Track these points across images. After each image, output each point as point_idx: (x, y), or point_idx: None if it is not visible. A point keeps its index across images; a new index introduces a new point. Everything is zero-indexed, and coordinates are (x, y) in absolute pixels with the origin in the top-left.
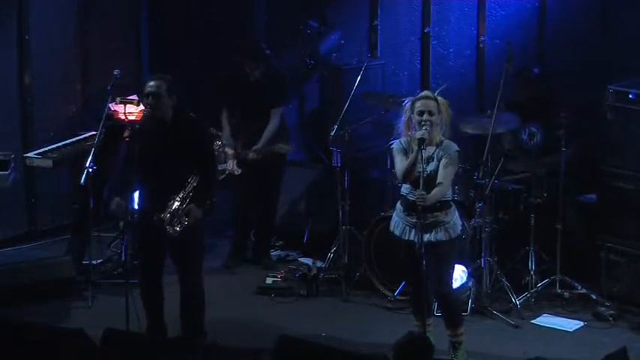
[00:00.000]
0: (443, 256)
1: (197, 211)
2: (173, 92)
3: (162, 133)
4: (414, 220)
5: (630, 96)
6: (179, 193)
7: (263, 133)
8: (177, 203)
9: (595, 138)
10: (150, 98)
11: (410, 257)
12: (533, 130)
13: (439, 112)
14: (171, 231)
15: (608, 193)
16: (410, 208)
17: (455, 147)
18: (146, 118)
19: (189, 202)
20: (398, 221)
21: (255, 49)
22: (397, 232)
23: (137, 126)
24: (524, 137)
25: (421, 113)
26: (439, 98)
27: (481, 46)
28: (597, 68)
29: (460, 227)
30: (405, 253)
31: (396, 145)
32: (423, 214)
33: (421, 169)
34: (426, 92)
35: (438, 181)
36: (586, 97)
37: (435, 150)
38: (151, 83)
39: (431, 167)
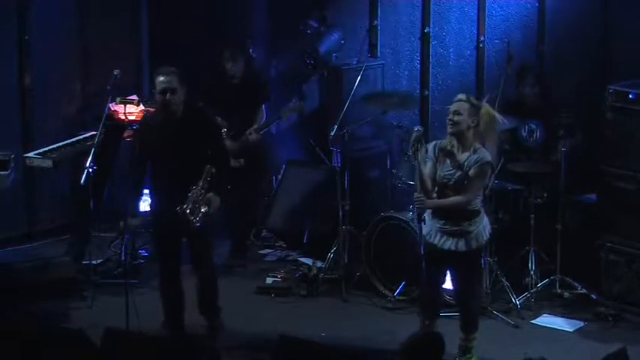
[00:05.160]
0: (462, 266)
1: (217, 199)
2: (183, 84)
3: (174, 126)
4: (438, 225)
5: (630, 96)
6: (197, 184)
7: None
8: (196, 194)
9: (595, 138)
10: (167, 94)
11: (428, 258)
12: (533, 127)
13: (470, 115)
14: (194, 221)
15: (608, 193)
16: (435, 212)
17: (487, 158)
18: (155, 113)
19: (207, 191)
20: (429, 224)
21: (238, 48)
22: (424, 232)
23: (147, 118)
24: (524, 134)
25: (450, 113)
26: (476, 102)
27: (481, 46)
28: (597, 68)
29: (485, 237)
30: (425, 253)
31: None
32: (440, 219)
33: (418, 170)
34: (461, 95)
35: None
36: (586, 97)
37: (468, 157)
38: (163, 79)
39: (455, 175)
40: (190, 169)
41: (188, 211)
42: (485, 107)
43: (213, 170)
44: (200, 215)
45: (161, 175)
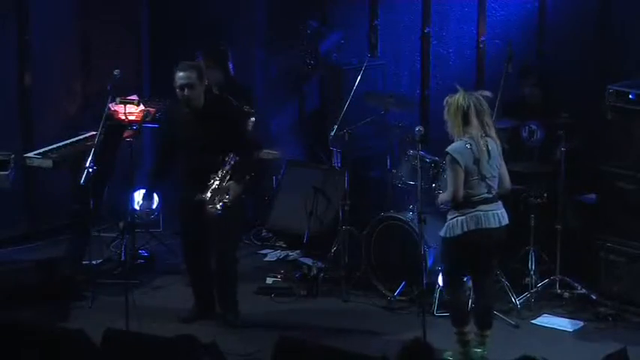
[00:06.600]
0: None
1: (237, 187)
2: (203, 77)
3: (196, 117)
4: None
5: (630, 96)
6: (218, 173)
7: None
8: (216, 182)
9: (595, 138)
10: (185, 90)
11: None
12: (534, 127)
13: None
14: (213, 209)
15: (608, 193)
16: None
17: (446, 150)
18: (178, 106)
19: (228, 179)
20: None
21: (217, 53)
22: None
23: (171, 110)
24: (525, 135)
25: None
26: (447, 100)
27: (481, 46)
28: (597, 68)
29: (453, 232)
30: None
31: None
32: None
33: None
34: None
35: None
36: (586, 97)
37: None
38: (181, 74)
39: None
40: (214, 159)
41: (208, 199)
42: (452, 98)
43: (236, 159)
44: (219, 204)
45: (186, 166)
